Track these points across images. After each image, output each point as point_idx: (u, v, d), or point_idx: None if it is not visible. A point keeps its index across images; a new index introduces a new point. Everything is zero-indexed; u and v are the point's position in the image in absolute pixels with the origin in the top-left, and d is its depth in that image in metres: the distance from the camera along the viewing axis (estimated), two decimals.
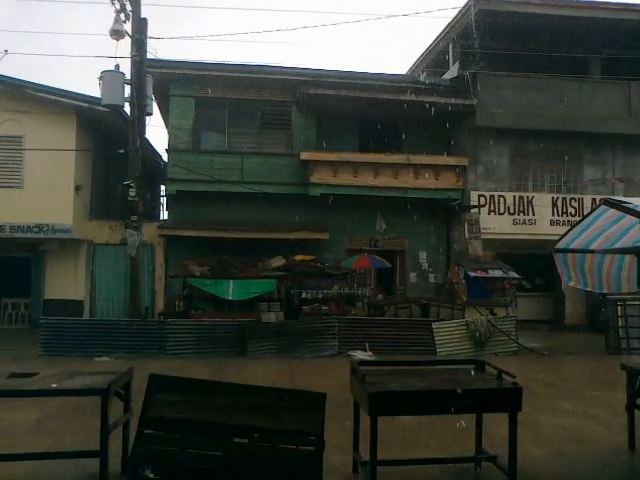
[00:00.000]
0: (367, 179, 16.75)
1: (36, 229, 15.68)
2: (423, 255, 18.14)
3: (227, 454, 4.18)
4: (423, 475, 5.10)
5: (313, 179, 16.61)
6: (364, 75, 17.22)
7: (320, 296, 15.50)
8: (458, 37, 18.43)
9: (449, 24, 18.76)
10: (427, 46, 21.10)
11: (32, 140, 15.80)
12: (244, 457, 4.16)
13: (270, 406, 4.23)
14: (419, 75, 19.20)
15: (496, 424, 5.18)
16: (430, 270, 18.15)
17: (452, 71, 18.46)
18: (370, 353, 12.18)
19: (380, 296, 16.60)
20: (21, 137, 16.05)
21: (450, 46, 19.17)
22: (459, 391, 4.38)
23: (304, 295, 15.42)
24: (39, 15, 48.19)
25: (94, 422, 4.92)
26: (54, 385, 4.88)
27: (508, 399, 4.56)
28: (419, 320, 14.15)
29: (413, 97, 16.63)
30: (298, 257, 15.91)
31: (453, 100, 16.85)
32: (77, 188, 16.31)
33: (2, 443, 5.78)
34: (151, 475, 4.14)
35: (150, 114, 14.07)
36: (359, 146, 18.02)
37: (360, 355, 11.92)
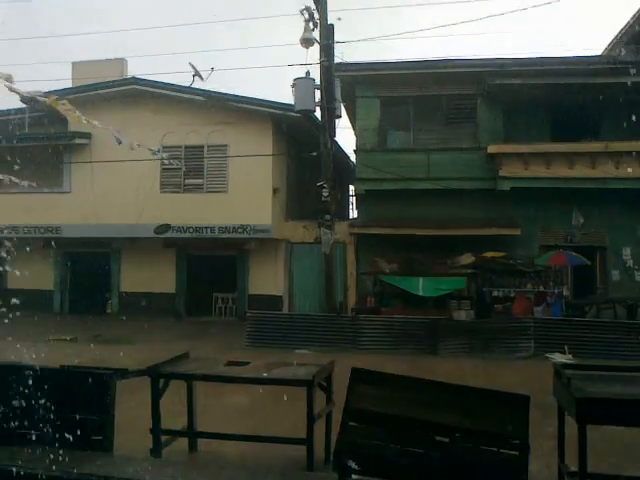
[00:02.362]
0: (561, 170, 15.77)
1: (240, 230, 17.09)
2: (627, 251, 16.62)
3: (428, 452, 4.21)
4: None
5: (502, 172, 16.05)
6: (553, 60, 16.15)
7: (512, 294, 14.94)
8: None
9: None
10: (627, 21, 19.19)
11: (234, 148, 17.30)
12: (445, 456, 4.15)
13: (472, 406, 4.19)
14: (618, 54, 17.58)
15: None
16: (636, 267, 16.57)
17: None
18: (570, 356, 11.50)
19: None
20: (225, 146, 17.65)
21: None
22: None
23: (495, 293, 14.97)
24: (228, 33, 52.19)
25: (296, 411, 5.27)
26: (265, 374, 5.32)
27: None
28: (626, 322, 13.04)
29: (612, 79, 15.28)
30: (488, 254, 15.46)
31: None
32: (275, 191, 17.48)
33: (219, 423, 6.41)
34: (354, 466, 4.31)
35: (339, 117, 14.61)
36: (550, 136, 16.97)
37: (558, 358, 11.30)
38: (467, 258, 15.24)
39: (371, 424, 4.42)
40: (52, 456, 4.04)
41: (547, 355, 11.53)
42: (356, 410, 4.39)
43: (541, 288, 15.01)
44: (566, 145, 16.00)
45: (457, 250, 15.61)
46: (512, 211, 16.32)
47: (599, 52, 21.17)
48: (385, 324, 12.94)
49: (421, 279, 14.20)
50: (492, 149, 16.21)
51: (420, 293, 13.86)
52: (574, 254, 15.11)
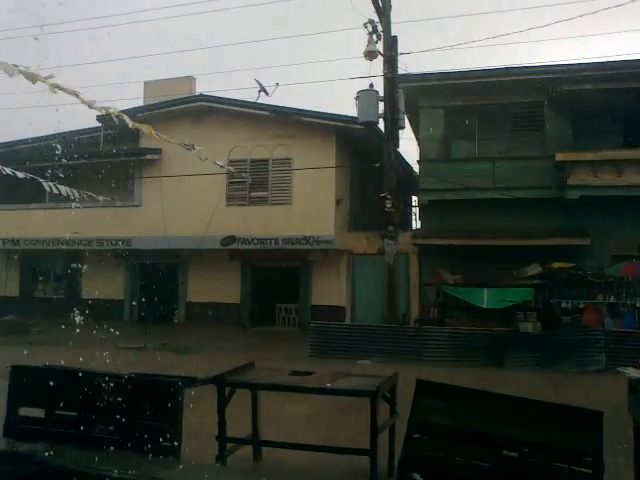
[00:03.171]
0: (634, 178, 15.16)
1: (303, 241, 17.24)
2: None
3: (495, 466, 4.11)
4: None
5: (571, 181, 15.55)
6: (624, 63, 15.50)
7: (582, 306, 14.44)
8: None
9: None
10: None
11: (298, 160, 17.54)
12: (513, 471, 4.05)
13: (541, 420, 4.07)
14: None
15: None
16: None
17: None
18: None
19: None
20: (290, 159, 17.91)
21: None
22: None
23: (564, 305, 14.52)
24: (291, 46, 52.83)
25: (359, 422, 5.24)
26: (329, 384, 5.34)
27: None
28: None
29: None
30: (556, 264, 15.02)
31: None
32: (338, 202, 17.58)
33: (282, 432, 6.46)
34: (419, 479, 4.26)
35: (402, 128, 14.58)
36: (622, 142, 16.36)
37: (632, 372, 10.80)
38: (534, 269, 14.86)
39: (436, 437, 4.36)
40: (124, 460, 4.20)
41: (619, 369, 11.06)
42: (421, 422, 4.34)
43: (612, 299, 14.45)
44: (638, 152, 15.38)
45: (523, 261, 15.23)
46: (581, 220, 15.77)
47: None
48: (450, 336, 12.76)
49: (486, 290, 13.95)
50: (560, 157, 15.75)
51: (484, 305, 13.62)
52: None
